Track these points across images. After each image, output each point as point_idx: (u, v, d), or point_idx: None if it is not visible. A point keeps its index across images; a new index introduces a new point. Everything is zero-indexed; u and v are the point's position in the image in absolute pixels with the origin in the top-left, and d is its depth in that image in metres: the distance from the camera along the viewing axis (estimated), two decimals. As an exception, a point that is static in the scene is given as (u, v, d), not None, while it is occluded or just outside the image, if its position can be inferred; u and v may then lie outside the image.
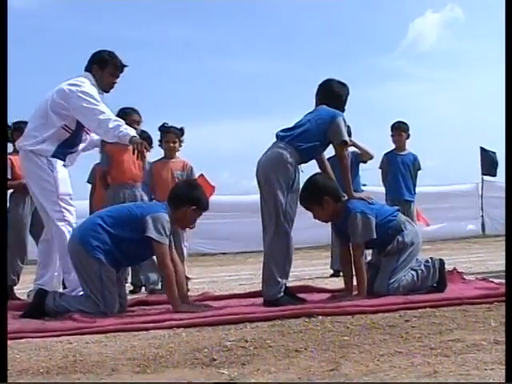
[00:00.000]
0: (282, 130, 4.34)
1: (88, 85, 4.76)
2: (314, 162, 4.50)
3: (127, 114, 5.91)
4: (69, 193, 4.75)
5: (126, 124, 4.80)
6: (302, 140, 4.23)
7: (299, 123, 4.35)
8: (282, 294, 4.12)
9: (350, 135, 5.33)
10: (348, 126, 4.83)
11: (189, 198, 4.21)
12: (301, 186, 4.27)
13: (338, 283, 5.01)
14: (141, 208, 4.11)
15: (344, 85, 4.62)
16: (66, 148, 4.79)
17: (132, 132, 4.62)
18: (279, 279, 4.10)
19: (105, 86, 4.92)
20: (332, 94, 4.53)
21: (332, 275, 6.88)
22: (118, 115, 5.76)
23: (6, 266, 3.95)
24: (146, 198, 5.91)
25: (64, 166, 4.82)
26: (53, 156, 4.73)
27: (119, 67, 4.95)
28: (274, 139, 4.35)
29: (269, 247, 4.16)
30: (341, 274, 6.68)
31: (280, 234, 4.12)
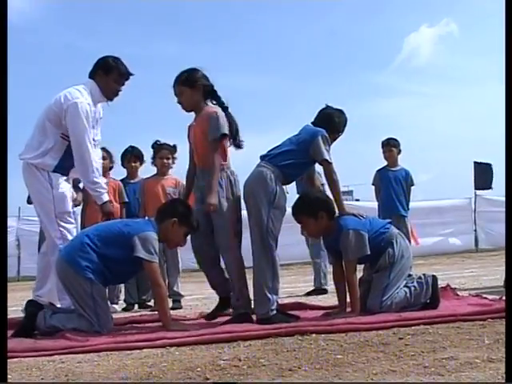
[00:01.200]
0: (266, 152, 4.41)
1: (83, 100, 4.67)
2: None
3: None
4: (67, 210, 4.73)
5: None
6: (281, 158, 4.29)
7: (281, 143, 4.42)
8: (275, 311, 4.12)
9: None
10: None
11: (170, 211, 4.21)
12: (286, 204, 4.29)
13: (332, 300, 5.00)
14: (128, 227, 4.07)
15: (340, 111, 4.64)
16: (68, 161, 4.73)
17: (105, 197, 4.72)
18: (269, 296, 4.10)
19: (109, 93, 4.86)
20: (323, 115, 4.57)
21: (309, 293, 6.88)
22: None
23: (6, 270, 3.94)
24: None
25: (67, 180, 4.83)
26: (54, 171, 4.71)
27: (124, 74, 4.88)
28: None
29: (255, 265, 4.18)
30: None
31: (264, 250, 4.14)
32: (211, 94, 4.46)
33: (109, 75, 4.82)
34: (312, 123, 4.55)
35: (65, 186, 4.79)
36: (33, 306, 4.09)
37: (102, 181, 4.81)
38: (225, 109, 4.40)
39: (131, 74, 4.93)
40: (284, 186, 4.33)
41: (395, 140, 7.71)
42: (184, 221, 4.19)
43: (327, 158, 4.28)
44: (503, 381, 2.13)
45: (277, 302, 4.17)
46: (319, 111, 4.62)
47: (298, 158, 4.31)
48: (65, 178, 4.79)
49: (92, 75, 4.86)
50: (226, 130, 4.29)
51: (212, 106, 4.44)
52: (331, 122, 4.52)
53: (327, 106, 4.64)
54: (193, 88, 4.37)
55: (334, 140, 4.52)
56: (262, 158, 4.38)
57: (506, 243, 3.28)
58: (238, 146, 4.44)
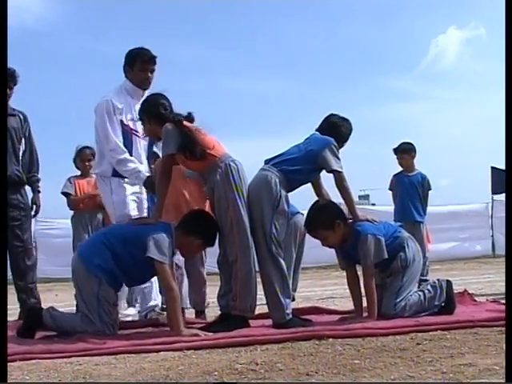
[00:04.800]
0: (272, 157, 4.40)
1: (103, 100, 4.87)
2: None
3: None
4: (127, 213, 4.83)
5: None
6: (287, 164, 4.27)
7: (288, 149, 4.41)
8: (291, 315, 4.12)
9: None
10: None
11: (200, 230, 4.15)
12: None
13: (348, 304, 4.98)
14: (144, 228, 4.05)
15: (346, 120, 4.62)
16: None
17: (143, 175, 4.83)
18: (282, 300, 4.09)
19: (140, 84, 4.99)
20: (329, 124, 4.56)
21: None
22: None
23: (5, 271, 3.97)
24: None
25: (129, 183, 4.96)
26: (113, 175, 4.88)
27: (148, 60, 4.97)
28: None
29: (262, 271, 4.14)
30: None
31: (270, 256, 4.12)
32: (160, 119, 4.26)
33: (134, 67, 4.96)
34: (317, 131, 4.54)
35: (127, 190, 4.92)
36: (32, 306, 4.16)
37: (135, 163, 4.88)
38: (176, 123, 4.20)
39: (155, 57, 5.00)
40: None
41: (408, 144, 7.54)
42: (207, 242, 4.21)
43: (336, 168, 4.26)
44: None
45: (290, 305, 4.16)
46: (324, 119, 4.62)
47: (304, 165, 4.30)
48: (126, 181, 4.92)
49: (124, 73, 5.06)
50: (170, 150, 4.16)
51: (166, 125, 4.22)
52: (337, 131, 4.51)
53: (332, 114, 4.63)
54: (143, 122, 4.38)
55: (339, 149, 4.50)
56: (267, 161, 4.37)
57: (506, 247, 3.27)
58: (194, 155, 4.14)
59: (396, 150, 7.55)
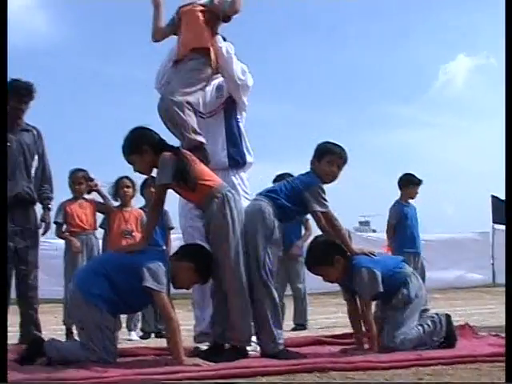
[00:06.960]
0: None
1: None
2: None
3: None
4: None
5: None
6: (277, 197, 4.24)
7: (276, 186, 4.45)
8: (282, 346, 4.10)
9: None
10: None
11: (192, 254, 4.10)
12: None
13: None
14: (139, 256, 4.02)
15: (337, 145, 4.48)
16: None
17: None
18: (274, 331, 4.08)
19: None
20: (319, 150, 4.44)
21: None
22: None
23: (6, 274, 3.93)
24: None
25: None
26: None
27: None
28: None
29: (255, 301, 4.09)
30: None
31: (263, 286, 4.09)
32: (161, 146, 4.16)
33: None
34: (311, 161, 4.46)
35: None
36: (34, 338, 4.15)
37: None
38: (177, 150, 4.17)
39: None
40: None
41: (411, 176, 7.63)
42: (200, 271, 4.08)
43: (319, 209, 4.25)
44: None
45: (282, 336, 4.14)
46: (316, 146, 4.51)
47: (290, 203, 4.25)
48: None
49: None
50: (164, 179, 4.08)
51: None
52: (329, 152, 4.39)
53: (322, 142, 4.50)
54: (141, 154, 4.13)
55: (334, 172, 4.41)
56: (259, 193, 4.38)
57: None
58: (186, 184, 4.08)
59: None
